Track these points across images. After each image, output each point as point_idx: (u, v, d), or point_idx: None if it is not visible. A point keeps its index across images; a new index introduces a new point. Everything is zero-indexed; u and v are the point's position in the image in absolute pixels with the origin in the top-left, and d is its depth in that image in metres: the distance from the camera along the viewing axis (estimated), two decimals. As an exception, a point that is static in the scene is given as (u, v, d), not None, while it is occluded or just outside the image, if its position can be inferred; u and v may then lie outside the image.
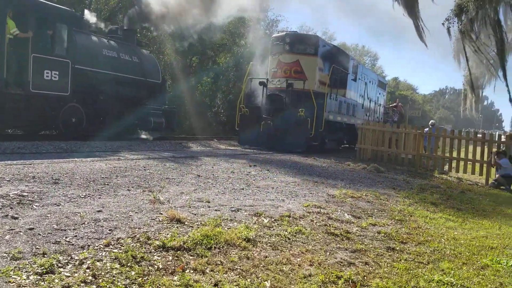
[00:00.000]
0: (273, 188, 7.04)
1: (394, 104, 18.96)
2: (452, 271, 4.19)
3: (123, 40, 14.52)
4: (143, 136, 15.51)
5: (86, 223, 3.96)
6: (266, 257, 3.80)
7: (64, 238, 3.51)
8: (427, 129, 15.11)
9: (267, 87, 15.67)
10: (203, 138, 17.72)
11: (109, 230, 3.84)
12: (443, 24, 13.45)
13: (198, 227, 4.19)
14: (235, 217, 4.81)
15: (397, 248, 4.72)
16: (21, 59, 10.59)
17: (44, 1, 11.77)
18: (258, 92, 16.16)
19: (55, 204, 4.49)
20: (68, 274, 2.86)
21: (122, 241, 3.61)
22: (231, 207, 5.23)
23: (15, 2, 10.72)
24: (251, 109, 15.30)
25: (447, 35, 13.37)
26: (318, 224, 5.13)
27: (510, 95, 12.35)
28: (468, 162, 13.04)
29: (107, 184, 5.73)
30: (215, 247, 3.76)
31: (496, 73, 16.99)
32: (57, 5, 12.49)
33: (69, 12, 12.42)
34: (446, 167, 13.37)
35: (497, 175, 11.45)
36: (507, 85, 12.33)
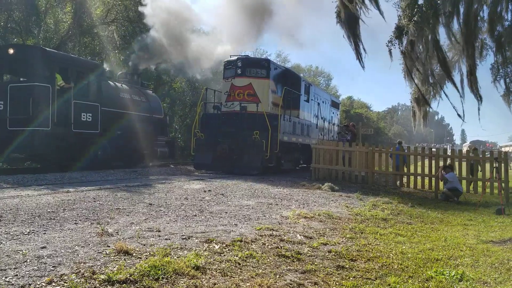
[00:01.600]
0: (226, 213, 7.05)
1: (346, 124, 19.53)
2: (398, 285, 4.33)
3: (131, 83, 17.36)
4: (150, 164, 17.36)
5: (28, 260, 3.84)
6: (215, 284, 3.80)
7: (3, 278, 3.39)
8: (395, 147, 15.64)
9: (221, 111, 15.78)
10: (159, 164, 17.53)
11: (53, 266, 3.74)
12: (387, 45, 14.11)
13: (146, 258, 4.14)
14: (185, 245, 4.79)
15: (347, 266, 4.83)
16: (65, 105, 13.05)
17: (80, 57, 15.78)
18: (213, 116, 16.26)
19: (-5, 242, 4.32)
20: (4, 317, 2.76)
21: (65, 277, 3.51)
22: (182, 235, 5.20)
23: (61, 61, 13.63)
24: (206, 134, 15.33)
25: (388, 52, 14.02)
26: (269, 247, 5.18)
27: (457, 111, 13.01)
28: (418, 177, 13.53)
29: (53, 219, 5.57)
30: (162, 278, 3.72)
31: (440, 90, 17.92)
32: (89, 60, 16.38)
33: (97, 64, 15.73)
34: (398, 183, 13.80)
35: (444, 189, 11.92)
36: (459, 101, 13.01)
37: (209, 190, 9.52)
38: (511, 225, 8.21)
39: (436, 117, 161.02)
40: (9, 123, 12.49)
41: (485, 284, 4.50)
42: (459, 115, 13.34)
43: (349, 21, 10.53)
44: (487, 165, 12.52)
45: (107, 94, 14.93)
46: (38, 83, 12.46)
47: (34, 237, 4.67)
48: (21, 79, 14.07)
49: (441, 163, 12.76)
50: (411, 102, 19.24)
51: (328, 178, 14.03)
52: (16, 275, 3.48)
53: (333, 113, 24.20)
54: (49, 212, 5.97)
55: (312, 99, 19.27)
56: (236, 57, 16.01)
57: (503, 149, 43.83)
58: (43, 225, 5.22)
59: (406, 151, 14.41)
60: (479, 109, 13.22)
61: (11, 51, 12.99)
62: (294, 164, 18.71)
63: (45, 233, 4.85)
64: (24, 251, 4.09)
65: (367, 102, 75.56)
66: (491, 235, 7.16)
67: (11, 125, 12.44)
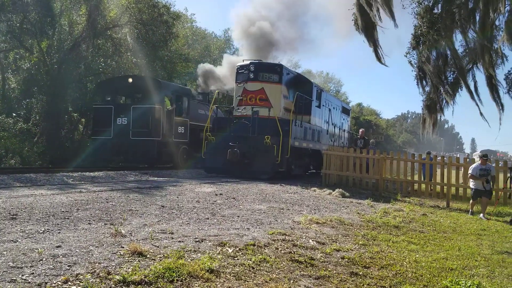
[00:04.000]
0: (238, 216, 7.04)
1: (360, 133, 19.54)
2: (413, 294, 4.28)
3: (203, 100, 20.62)
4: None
5: (44, 259, 3.85)
6: (230, 287, 3.79)
7: (20, 276, 3.40)
8: (425, 156, 15.54)
9: (233, 115, 15.76)
10: (169, 167, 17.59)
11: (68, 266, 3.75)
12: (405, 56, 14.06)
13: (160, 260, 4.14)
14: (199, 248, 4.78)
15: (360, 273, 4.79)
16: (170, 121, 17.19)
17: (179, 84, 21.40)
18: (224, 120, 16.24)
19: (11, 240, 4.35)
20: (22, 315, 2.77)
21: (81, 277, 3.53)
22: (195, 238, 5.20)
23: (168, 88, 17.86)
24: (217, 137, 15.34)
25: (407, 62, 13.98)
26: (282, 251, 5.16)
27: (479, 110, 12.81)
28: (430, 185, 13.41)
29: (67, 218, 5.60)
30: (177, 280, 3.72)
31: (453, 99, 17.78)
32: (184, 87, 20.86)
33: (188, 90, 19.77)
34: (409, 190, 13.69)
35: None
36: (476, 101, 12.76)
37: (220, 194, 9.52)
38: (525, 236, 8.10)
39: (446, 125, 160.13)
40: (131, 134, 16.37)
41: (502, 295, 4.44)
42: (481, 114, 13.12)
43: (367, 28, 10.50)
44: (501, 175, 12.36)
45: (192, 111, 18.96)
46: (155, 105, 16.55)
47: (49, 236, 4.69)
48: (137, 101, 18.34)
49: (456, 172, 12.61)
50: (422, 109, 19.13)
51: (338, 184, 13.96)
52: (33, 273, 3.49)
53: (344, 119, 24.10)
54: (63, 211, 6.00)
55: (323, 105, 19.22)
56: (249, 62, 16.02)
57: (514, 159, 43.34)
58: (58, 224, 5.25)
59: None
60: (500, 119, 13.05)
61: (130, 80, 17.37)
62: (304, 169, 18.65)
63: (59, 232, 4.87)
64: (39, 249, 4.11)
65: (377, 109, 75.38)
66: (506, 246, 7.06)
67: (133, 135, 16.38)
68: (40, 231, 4.82)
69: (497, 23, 12.66)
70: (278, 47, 21.29)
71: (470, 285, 4.61)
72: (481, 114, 12.82)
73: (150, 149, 16.34)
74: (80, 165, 16.13)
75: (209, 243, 5.05)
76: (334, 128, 21.54)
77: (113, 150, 16.56)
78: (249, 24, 20.07)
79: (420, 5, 11.53)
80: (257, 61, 16.32)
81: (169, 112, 17.17)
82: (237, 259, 4.59)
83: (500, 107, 12.51)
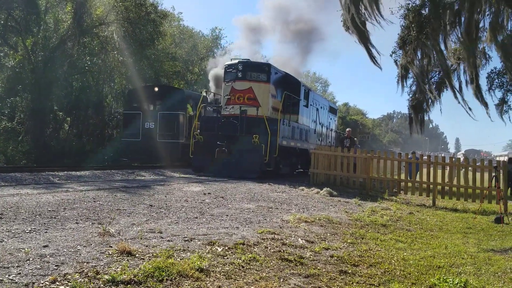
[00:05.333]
0: (227, 215, 7.02)
1: (346, 133, 19.63)
2: (401, 292, 4.31)
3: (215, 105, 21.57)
4: None
5: (31, 259, 3.79)
6: (220, 286, 3.77)
7: (7, 276, 3.34)
8: (411, 156, 15.67)
9: (221, 114, 15.73)
10: (157, 166, 17.50)
11: (56, 265, 3.69)
12: (391, 55, 14.20)
13: (149, 259, 4.11)
14: (188, 247, 4.75)
15: (349, 271, 4.81)
16: (190, 126, 18.23)
17: (197, 92, 23.32)
18: (212, 119, 16.21)
19: (-3, 240, 4.28)
20: (9, 316, 2.72)
21: (69, 276, 3.47)
22: (184, 237, 5.17)
23: (190, 96, 20.26)
24: (205, 136, 15.29)
25: (394, 63, 14.14)
26: (272, 250, 5.15)
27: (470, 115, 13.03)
28: (416, 184, 13.54)
29: (54, 218, 5.53)
30: (167, 279, 3.69)
31: (439, 97, 18.01)
32: (196, 93, 22.90)
33: (205, 97, 19.42)
34: (395, 189, 13.81)
35: None
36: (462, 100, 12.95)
37: (208, 193, 9.49)
38: (510, 234, 8.23)
39: (430, 125, 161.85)
40: (158, 137, 18.56)
41: (489, 292, 4.49)
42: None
43: (358, 28, 10.54)
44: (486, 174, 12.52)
45: (206, 115, 20.00)
46: (179, 112, 18.88)
47: (36, 235, 4.62)
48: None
49: (442, 171, 12.76)
50: (408, 109, 19.35)
51: (326, 183, 14.02)
52: (20, 273, 3.44)
53: (331, 119, 24.21)
54: (50, 211, 5.92)
55: (311, 105, 19.29)
56: (237, 61, 16.00)
57: (497, 158, 44.00)
58: (44, 223, 5.17)
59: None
60: (489, 115, 13.28)
61: (156, 89, 19.76)
62: (292, 168, 18.70)
63: (46, 232, 4.80)
64: (26, 249, 4.04)
65: (363, 109, 75.97)
66: (492, 244, 7.16)
67: (159, 138, 18.60)
68: (27, 231, 4.75)
69: (481, 24, 12.86)
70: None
71: (457, 283, 4.65)
72: (469, 109, 13.02)
73: (175, 150, 18.57)
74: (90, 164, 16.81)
75: (199, 242, 5.02)
76: (322, 127, 21.63)
77: (142, 150, 18.87)
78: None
79: (409, 11, 11.63)
80: (245, 60, 16.30)
81: (191, 117, 19.23)
82: (227, 258, 4.57)
83: (484, 105, 12.73)
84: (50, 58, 20.75)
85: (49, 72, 20.62)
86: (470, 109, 12.84)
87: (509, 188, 20.22)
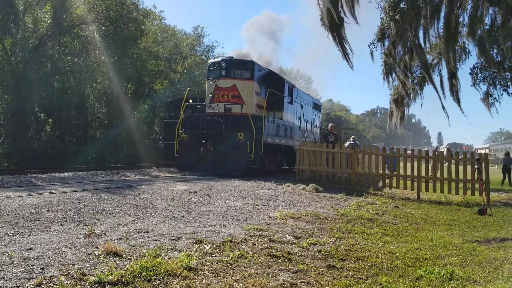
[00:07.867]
0: (214, 213, 6.99)
1: (329, 128, 19.68)
2: (389, 284, 4.33)
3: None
4: None
5: (15, 262, 3.72)
6: (208, 284, 3.75)
7: (-11, 281, 3.27)
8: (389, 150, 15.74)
9: (206, 112, 15.67)
10: (141, 166, 17.33)
11: (41, 268, 3.63)
12: (368, 46, 14.26)
13: (136, 259, 4.06)
14: (175, 246, 4.71)
15: (337, 266, 4.83)
16: None
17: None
18: (197, 117, 16.14)
19: (-21, 245, 4.18)
20: (-6, 320, 2.66)
21: (55, 279, 3.41)
22: (171, 236, 5.13)
23: None
24: (190, 135, 15.21)
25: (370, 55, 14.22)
26: (260, 247, 5.14)
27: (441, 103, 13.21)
28: (401, 178, 13.68)
29: (38, 220, 5.43)
30: (155, 279, 3.65)
31: (420, 92, 18.22)
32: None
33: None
34: (380, 184, 13.93)
35: None
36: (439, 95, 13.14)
37: (194, 192, 9.44)
38: (493, 225, 8.37)
39: (413, 120, 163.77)
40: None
41: (475, 283, 4.55)
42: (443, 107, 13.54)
43: (333, 24, 10.53)
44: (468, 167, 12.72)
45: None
46: None
47: (19, 238, 4.54)
48: None
49: (426, 165, 12.91)
50: (390, 103, 19.55)
51: (312, 179, 14.08)
52: (3, 277, 3.36)
53: (315, 115, 24.31)
54: (33, 213, 5.82)
55: (295, 101, 19.33)
56: (220, 58, 15.94)
57: (478, 151, 44.71)
58: (28, 226, 5.08)
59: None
60: (462, 111, 13.46)
61: (191, 100, 18.83)
62: (277, 165, 18.72)
63: (30, 235, 4.71)
64: (10, 252, 3.96)
65: (347, 105, 76.48)
66: (476, 235, 7.27)
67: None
68: (10, 234, 4.66)
69: (461, 19, 13.03)
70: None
71: (443, 274, 4.71)
72: (443, 107, 13.20)
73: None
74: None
75: (186, 241, 4.99)
76: (306, 124, 21.70)
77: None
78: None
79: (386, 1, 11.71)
80: (229, 57, 16.25)
81: None
82: (215, 256, 4.55)
83: (457, 101, 12.94)
84: (29, 58, 20.41)
85: (29, 73, 20.28)
86: (444, 107, 13.03)
87: (507, 179, 20.68)
